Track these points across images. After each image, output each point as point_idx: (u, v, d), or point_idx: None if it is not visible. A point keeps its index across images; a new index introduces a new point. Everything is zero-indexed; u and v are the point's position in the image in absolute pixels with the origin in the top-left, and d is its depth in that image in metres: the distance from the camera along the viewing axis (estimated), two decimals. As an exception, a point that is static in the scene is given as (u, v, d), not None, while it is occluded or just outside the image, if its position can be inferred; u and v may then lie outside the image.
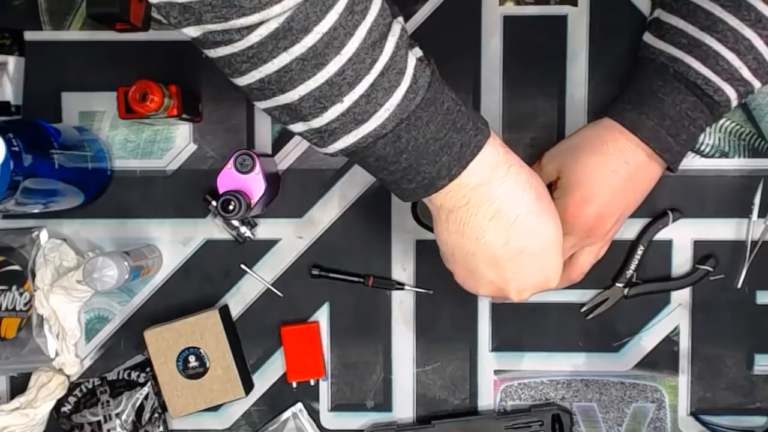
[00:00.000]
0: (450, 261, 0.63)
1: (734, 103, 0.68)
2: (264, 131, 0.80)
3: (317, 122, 0.52)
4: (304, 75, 0.50)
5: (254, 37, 0.47)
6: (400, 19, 0.55)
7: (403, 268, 0.80)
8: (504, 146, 0.58)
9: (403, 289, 0.80)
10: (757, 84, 0.67)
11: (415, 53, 0.55)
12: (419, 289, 0.80)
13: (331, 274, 0.79)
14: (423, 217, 0.77)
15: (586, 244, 0.71)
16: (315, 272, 0.79)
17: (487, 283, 0.61)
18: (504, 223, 0.57)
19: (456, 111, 0.55)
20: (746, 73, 0.66)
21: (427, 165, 0.55)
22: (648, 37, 0.71)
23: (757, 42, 0.65)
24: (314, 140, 0.55)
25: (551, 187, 0.71)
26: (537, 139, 0.79)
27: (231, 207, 0.69)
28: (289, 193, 0.80)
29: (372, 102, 0.51)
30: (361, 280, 0.79)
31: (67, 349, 0.79)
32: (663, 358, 0.80)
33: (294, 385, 0.80)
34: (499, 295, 0.63)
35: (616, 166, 0.68)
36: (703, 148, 0.78)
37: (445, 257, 0.63)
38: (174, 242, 0.80)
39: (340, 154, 0.55)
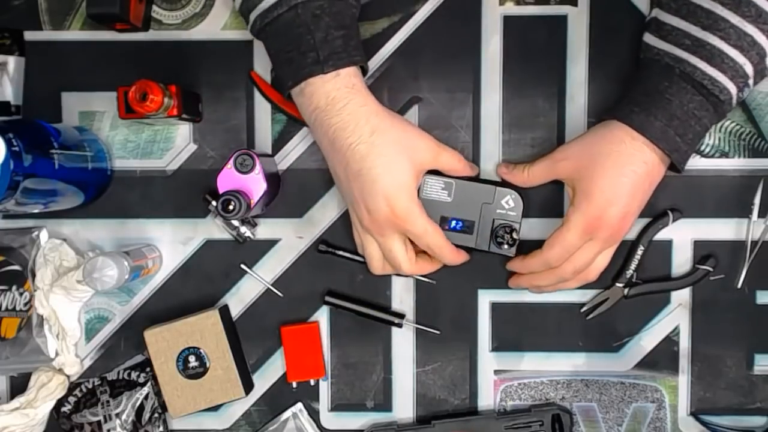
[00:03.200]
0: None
1: (735, 100, 0.68)
2: (264, 131, 0.80)
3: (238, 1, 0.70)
4: None
5: None
6: None
7: (403, 268, 0.80)
8: (354, 86, 0.68)
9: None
10: (752, 79, 0.67)
11: None
12: (423, 278, 0.80)
13: (338, 252, 0.79)
14: None
15: (608, 245, 0.73)
16: (322, 248, 0.79)
17: (347, 195, 0.71)
18: (341, 148, 0.68)
19: (306, 39, 0.67)
20: (749, 69, 0.66)
21: (279, 69, 0.70)
22: (649, 38, 0.71)
23: (760, 37, 0.65)
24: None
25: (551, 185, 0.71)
26: (537, 139, 0.79)
27: (231, 207, 0.69)
28: (289, 193, 0.80)
29: (252, 0, 0.68)
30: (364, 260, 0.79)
31: (67, 349, 0.79)
32: (663, 358, 0.80)
33: (294, 385, 0.81)
34: (361, 216, 0.70)
35: (636, 166, 0.69)
36: (703, 148, 0.78)
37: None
38: (174, 242, 0.80)
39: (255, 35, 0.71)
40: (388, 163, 0.68)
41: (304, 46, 0.67)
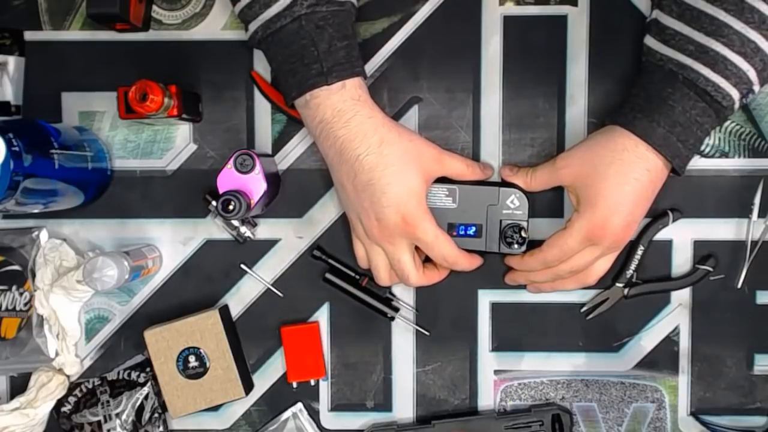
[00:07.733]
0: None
1: (737, 105, 0.68)
2: (264, 131, 0.80)
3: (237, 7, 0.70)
4: None
5: None
6: None
7: (403, 268, 0.80)
8: (360, 97, 0.69)
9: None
10: (756, 85, 0.67)
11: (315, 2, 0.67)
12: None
13: (330, 261, 0.79)
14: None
15: (610, 252, 0.73)
16: (316, 253, 0.79)
17: (354, 206, 0.71)
18: (349, 159, 0.69)
19: (310, 51, 0.67)
20: (753, 75, 0.66)
21: (283, 79, 0.70)
22: (652, 42, 0.71)
23: (763, 44, 0.65)
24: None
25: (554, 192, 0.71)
26: (537, 139, 0.79)
27: (231, 207, 0.69)
28: (289, 193, 0.80)
29: (253, 9, 0.68)
30: (357, 277, 0.79)
31: (67, 349, 0.79)
32: (663, 358, 0.80)
33: (294, 385, 0.81)
34: (370, 226, 0.70)
35: (639, 174, 0.69)
36: (703, 148, 0.78)
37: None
38: (174, 242, 0.80)
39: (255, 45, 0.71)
40: (398, 173, 0.69)
41: (307, 57, 0.67)
